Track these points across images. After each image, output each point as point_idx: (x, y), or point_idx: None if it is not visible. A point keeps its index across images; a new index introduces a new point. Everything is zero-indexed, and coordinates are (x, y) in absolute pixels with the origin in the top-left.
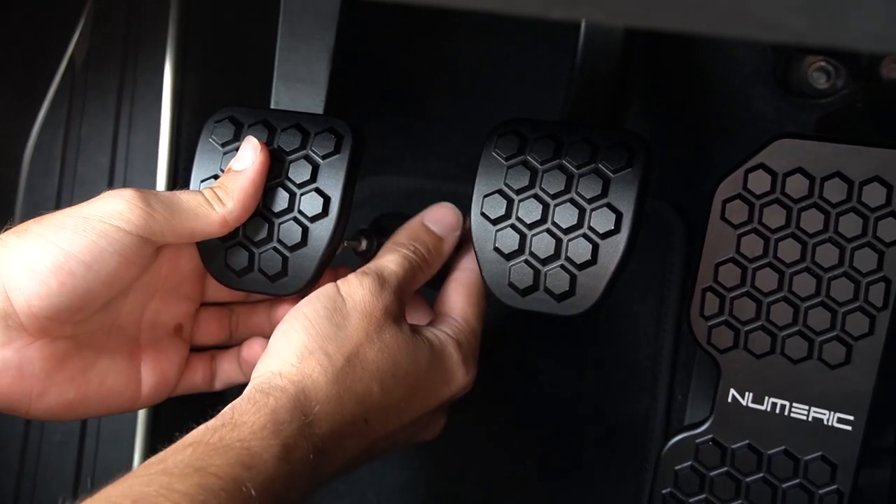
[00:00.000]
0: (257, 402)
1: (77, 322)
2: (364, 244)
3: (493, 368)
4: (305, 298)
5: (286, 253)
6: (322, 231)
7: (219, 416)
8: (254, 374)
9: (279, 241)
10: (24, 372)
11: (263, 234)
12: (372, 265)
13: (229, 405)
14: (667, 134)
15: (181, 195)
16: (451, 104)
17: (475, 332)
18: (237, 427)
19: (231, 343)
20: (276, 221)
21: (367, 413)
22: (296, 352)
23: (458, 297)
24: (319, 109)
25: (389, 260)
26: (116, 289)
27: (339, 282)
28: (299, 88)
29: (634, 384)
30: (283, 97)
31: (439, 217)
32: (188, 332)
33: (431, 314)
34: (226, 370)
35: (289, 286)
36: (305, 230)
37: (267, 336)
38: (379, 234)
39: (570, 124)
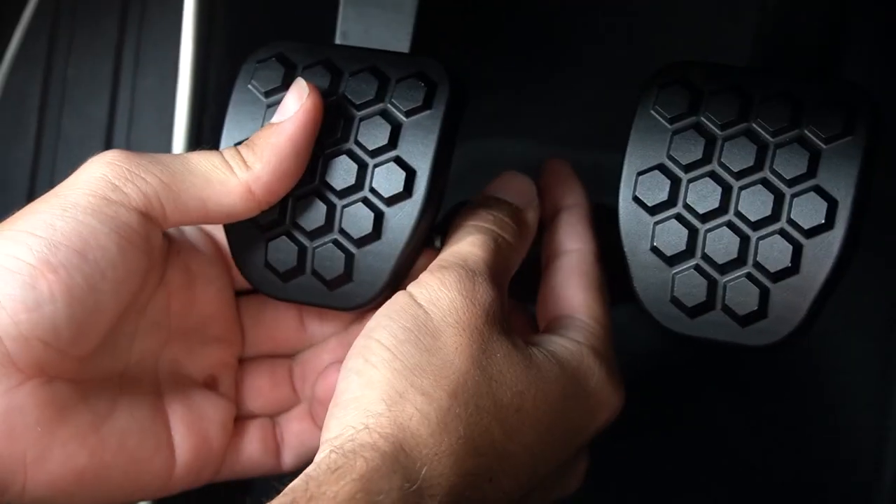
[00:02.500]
0: (340, 468)
1: (82, 353)
2: (439, 242)
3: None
4: (372, 321)
5: (352, 249)
6: (403, 218)
7: (286, 490)
8: (324, 434)
9: (342, 231)
10: (13, 424)
11: (320, 220)
12: (449, 255)
13: (300, 476)
14: None
15: (190, 155)
16: (588, 40)
17: (608, 330)
18: (314, 499)
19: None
20: (339, 204)
21: (490, 468)
22: (382, 396)
23: (576, 288)
24: (405, 47)
25: (469, 243)
26: (126, 290)
27: (411, 287)
28: (376, 16)
29: (849, 447)
30: (352, 28)
31: (505, 186)
32: (228, 386)
33: (530, 322)
34: (295, 433)
35: (354, 296)
36: (380, 217)
37: None
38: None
39: (761, 71)
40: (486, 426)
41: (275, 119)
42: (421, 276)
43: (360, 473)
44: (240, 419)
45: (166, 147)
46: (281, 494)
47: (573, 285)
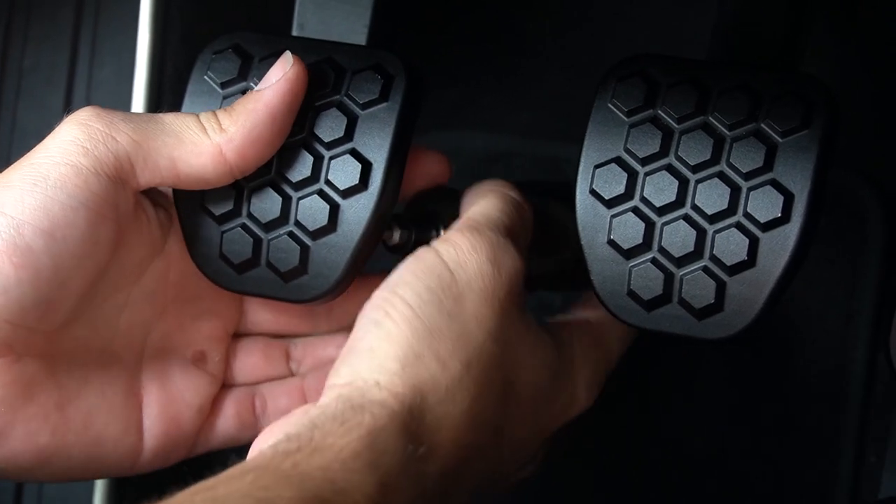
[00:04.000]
0: (347, 421)
1: (51, 330)
2: (397, 235)
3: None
4: (396, 274)
5: (307, 241)
6: (359, 211)
7: (291, 436)
8: (333, 378)
9: (297, 223)
10: None
11: (275, 212)
12: (479, 217)
13: (302, 415)
14: (861, 80)
15: (164, 115)
16: (550, 32)
17: (612, 351)
18: (318, 451)
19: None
20: (295, 196)
21: (484, 443)
22: (398, 353)
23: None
24: (362, 39)
25: (499, 209)
26: (93, 263)
27: (438, 243)
28: (334, 7)
29: (807, 441)
30: (310, 19)
31: (496, 188)
32: (217, 362)
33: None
34: (283, 409)
35: (309, 289)
36: (335, 209)
37: None
38: (419, 222)
39: (720, 65)
40: (490, 403)
41: (256, 86)
42: (449, 233)
43: (367, 430)
44: (217, 395)
45: None
46: (286, 439)
47: None
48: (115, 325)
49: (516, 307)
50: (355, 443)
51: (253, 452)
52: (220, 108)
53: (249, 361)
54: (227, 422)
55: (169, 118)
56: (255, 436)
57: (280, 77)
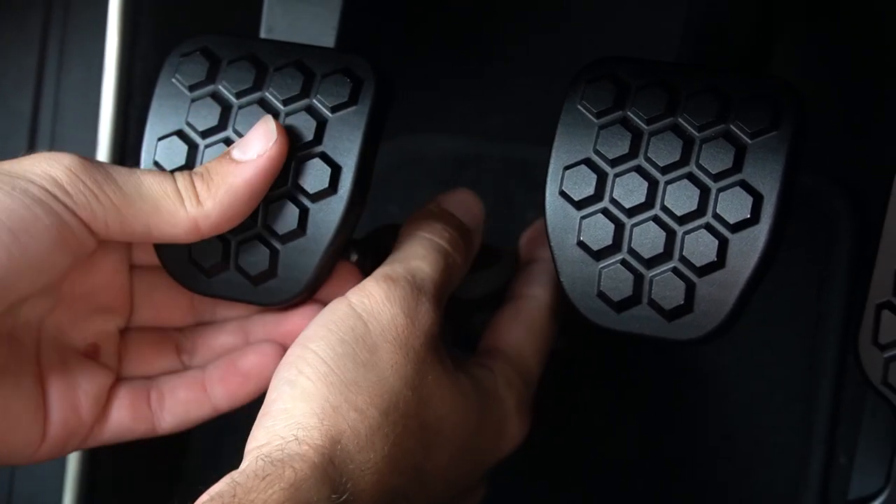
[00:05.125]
0: (269, 476)
1: None
2: (355, 257)
3: (563, 407)
4: (310, 329)
5: (276, 244)
6: (328, 214)
7: (213, 495)
8: (250, 443)
9: (266, 227)
10: None
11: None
12: (398, 265)
13: (226, 478)
14: (829, 83)
15: (143, 176)
16: (518, 35)
17: (531, 372)
18: None
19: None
20: (264, 199)
21: (408, 487)
22: (315, 409)
23: (515, 327)
24: (331, 42)
25: (420, 257)
26: (41, 280)
27: (351, 294)
28: (302, 10)
29: (777, 441)
30: (278, 22)
31: (462, 204)
32: (110, 356)
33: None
34: (182, 401)
35: (278, 292)
36: (304, 213)
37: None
38: (375, 250)
39: (689, 67)
40: (410, 447)
41: (236, 154)
42: (365, 282)
43: (289, 482)
44: (111, 386)
45: (91, 140)
46: (208, 499)
47: (515, 325)
48: (16, 316)
49: (432, 354)
50: (278, 494)
51: None
52: (188, 112)
53: (141, 354)
54: (120, 413)
55: (148, 181)
56: (150, 429)
57: (263, 152)
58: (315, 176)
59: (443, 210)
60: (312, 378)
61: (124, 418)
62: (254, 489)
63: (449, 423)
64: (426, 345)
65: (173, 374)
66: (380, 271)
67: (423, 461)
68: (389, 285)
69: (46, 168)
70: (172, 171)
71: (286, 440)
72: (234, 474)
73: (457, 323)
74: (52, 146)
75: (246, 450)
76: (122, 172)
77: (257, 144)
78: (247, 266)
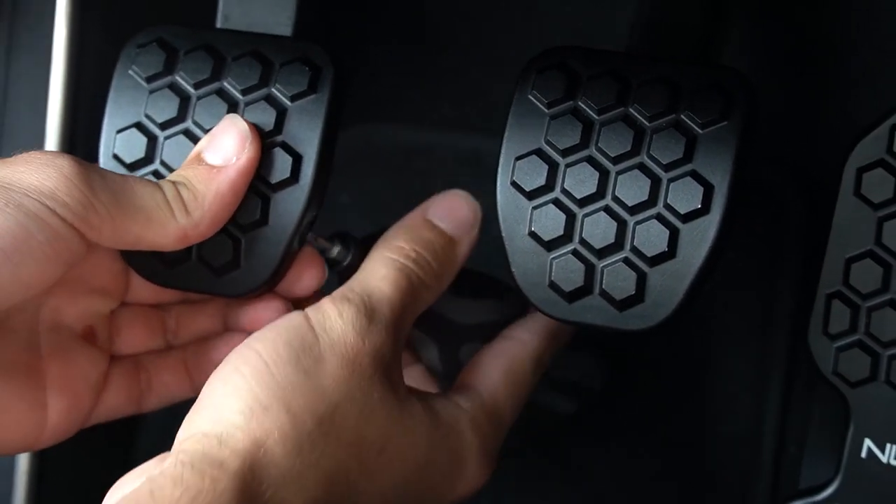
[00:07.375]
0: (184, 483)
1: None
2: (336, 251)
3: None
4: (260, 331)
5: (238, 235)
6: (291, 204)
7: (131, 495)
8: (179, 435)
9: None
10: None
11: None
12: (356, 285)
13: (146, 482)
14: (780, 73)
15: (136, 185)
16: (470, 25)
17: (503, 417)
18: None
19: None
20: None
21: (339, 501)
22: (241, 406)
23: (494, 368)
24: (287, 31)
25: (380, 277)
26: (31, 292)
27: (309, 310)
28: None
29: (727, 431)
30: (234, 11)
31: (448, 210)
32: (104, 337)
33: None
34: (166, 383)
35: (241, 283)
36: (266, 202)
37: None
38: (361, 247)
39: (640, 57)
40: (344, 460)
41: (209, 157)
42: (323, 300)
43: (203, 494)
44: (107, 368)
45: (40, 133)
46: (125, 497)
47: (495, 365)
48: (11, 300)
49: (381, 374)
50: None
51: None
52: (146, 104)
53: (132, 332)
54: (115, 394)
55: (140, 190)
56: (136, 409)
57: (242, 155)
58: (276, 166)
59: (422, 222)
60: (248, 376)
61: (118, 398)
62: (167, 497)
63: (393, 444)
64: (374, 364)
65: (158, 355)
66: (337, 291)
67: (361, 478)
68: (343, 304)
69: (43, 178)
70: (141, 174)
71: (209, 439)
72: (154, 474)
73: (445, 345)
74: (1, 136)
75: (175, 441)
76: (116, 181)
77: (230, 145)
78: (209, 257)
